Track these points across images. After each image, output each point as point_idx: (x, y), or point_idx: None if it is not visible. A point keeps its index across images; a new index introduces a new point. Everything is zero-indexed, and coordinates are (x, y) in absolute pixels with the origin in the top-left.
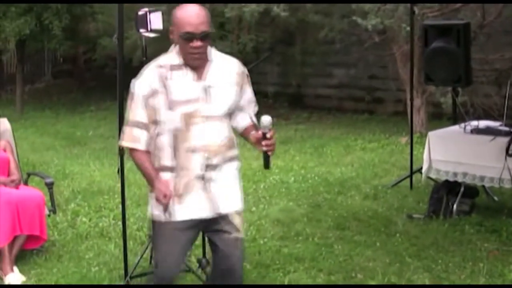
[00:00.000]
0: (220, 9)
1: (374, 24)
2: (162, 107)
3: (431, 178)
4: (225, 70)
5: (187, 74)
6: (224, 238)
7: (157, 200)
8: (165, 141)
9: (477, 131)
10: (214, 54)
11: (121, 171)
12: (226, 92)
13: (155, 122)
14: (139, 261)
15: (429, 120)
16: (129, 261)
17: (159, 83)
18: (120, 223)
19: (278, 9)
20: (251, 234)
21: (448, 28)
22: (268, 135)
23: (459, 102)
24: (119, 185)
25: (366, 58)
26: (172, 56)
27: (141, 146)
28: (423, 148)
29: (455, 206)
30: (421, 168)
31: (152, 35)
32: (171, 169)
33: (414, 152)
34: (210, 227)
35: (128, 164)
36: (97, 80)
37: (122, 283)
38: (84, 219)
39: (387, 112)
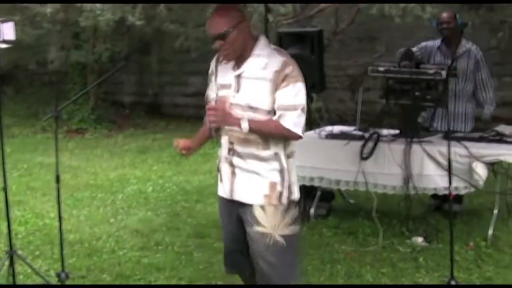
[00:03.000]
0: (75, 18)
1: None
2: (213, 88)
3: None
4: (264, 64)
5: (230, 62)
6: (248, 231)
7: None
8: None
9: (331, 136)
10: (260, 48)
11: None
12: (256, 86)
13: None
14: None
15: None
16: None
17: (214, 65)
18: None
19: (134, 18)
20: (110, 246)
21: (302, 35)
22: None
23: (314, 108)
24: None
25: None
26: None
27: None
28: None
29: (312, 210)
30: None
31: (4, 46)
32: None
33: None
34: (239, 214)
35: None
36: None
37: None
38: None
39: None
